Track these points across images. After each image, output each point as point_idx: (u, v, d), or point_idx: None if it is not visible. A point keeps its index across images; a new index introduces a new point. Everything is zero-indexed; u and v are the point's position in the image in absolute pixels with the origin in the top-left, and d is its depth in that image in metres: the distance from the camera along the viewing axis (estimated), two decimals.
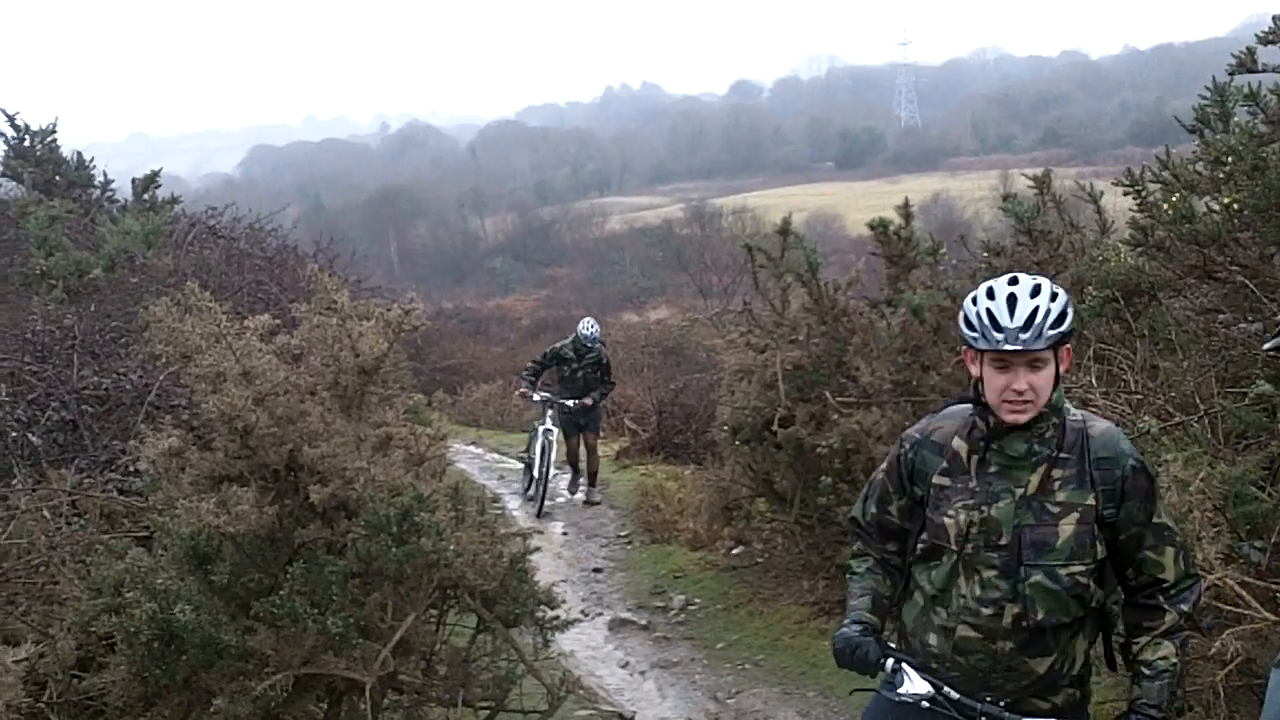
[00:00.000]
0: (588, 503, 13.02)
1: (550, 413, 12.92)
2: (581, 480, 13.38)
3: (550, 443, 12.73)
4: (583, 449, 13.26)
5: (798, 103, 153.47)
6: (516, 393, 13.96)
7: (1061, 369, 3.09)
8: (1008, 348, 3.01)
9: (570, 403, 12.81)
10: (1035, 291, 3.05)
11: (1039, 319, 3.00)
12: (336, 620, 4.61)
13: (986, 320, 3.05)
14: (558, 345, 13.32)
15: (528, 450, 13.43)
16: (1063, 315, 3.03)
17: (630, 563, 10.38)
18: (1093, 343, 6.32)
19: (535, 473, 12.81)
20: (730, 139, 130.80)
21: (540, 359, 13.30)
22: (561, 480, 13.62)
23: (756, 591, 9.00)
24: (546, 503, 12.56)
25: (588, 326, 13.05)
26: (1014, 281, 3.09)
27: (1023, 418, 3.06)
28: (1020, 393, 3.03)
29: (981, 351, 3.08)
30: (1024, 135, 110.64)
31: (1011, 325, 3.01)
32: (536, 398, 12.98)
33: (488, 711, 5.34)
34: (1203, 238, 6.05)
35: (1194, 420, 5.47)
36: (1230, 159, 5.87)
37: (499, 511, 11.72)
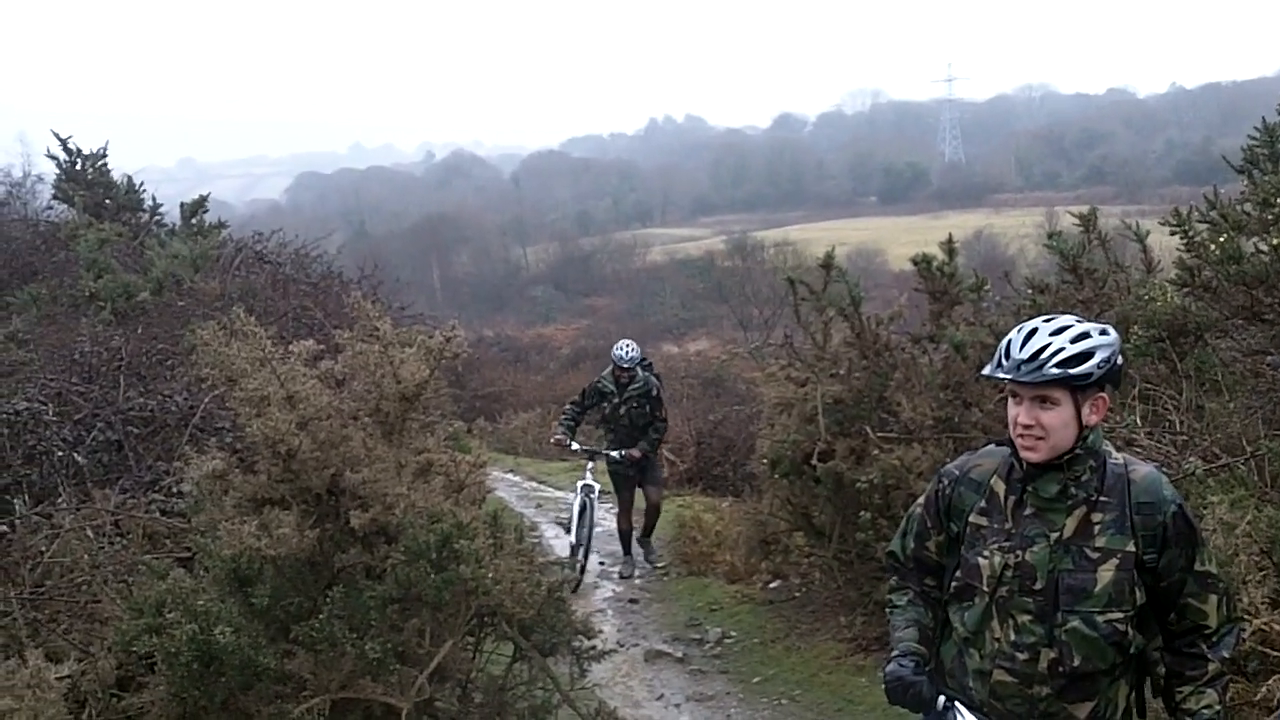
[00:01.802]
0: (645, 562, 11.24)
1: (590, 465, 11.16)
2: (636, 560, 11.19)
3: (590, 502, 10.80)
4: (643, 503, 11.20)
5: (841, 137, 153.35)
6: (552, 439, 11.65)
7: (1091, 416, 3.06)
8: (1000, 375, 3.07)
9: (616, 454, 10.89)
10: (1059, 331, 3.05)
11: (1045, 355, 3.01)
12: (375, 645, 4.63)
13: (1003, 349, 3.10)
14: (596, 380, 11.35)
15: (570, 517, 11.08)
16: (1080, 357, 3.01)
17: (666, 594, 10.34)
18: (1138, 382, 6.27)
19: (573, 538, 10.70)
20: (773, 172, 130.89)
21: (580, 398, 11.34)
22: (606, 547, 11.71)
23: (793, 626, 8.94)
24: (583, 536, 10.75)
25: (623, 348, 10.96)
26: (1051, 320, 3.11)
27: (1034, 455, 3.06)
28: (1028, 427, 3.04)
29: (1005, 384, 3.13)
30: (1069, 173, 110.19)
31: (1018, 356, 3.05)
32: (575, 447, 11.18)
33: None
34: (1250, 279, 6.01)
35: (1240, 462, 5.41)
36: (1279, 200, 5.83)
37: (536, 540, 11.74)
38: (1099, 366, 3.01)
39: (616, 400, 10.97)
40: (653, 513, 11.29)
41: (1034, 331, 3.07)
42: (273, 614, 4.80)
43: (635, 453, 10.83)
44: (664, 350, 39.81)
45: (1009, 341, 3.09)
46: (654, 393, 10.99)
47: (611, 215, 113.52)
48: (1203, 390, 6.20)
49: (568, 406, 11.47)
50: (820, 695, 7.64)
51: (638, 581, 10.66)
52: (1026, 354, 3.03)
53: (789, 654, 8.46)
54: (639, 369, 10.97)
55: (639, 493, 11.11)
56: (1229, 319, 6.35)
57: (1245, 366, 6.30)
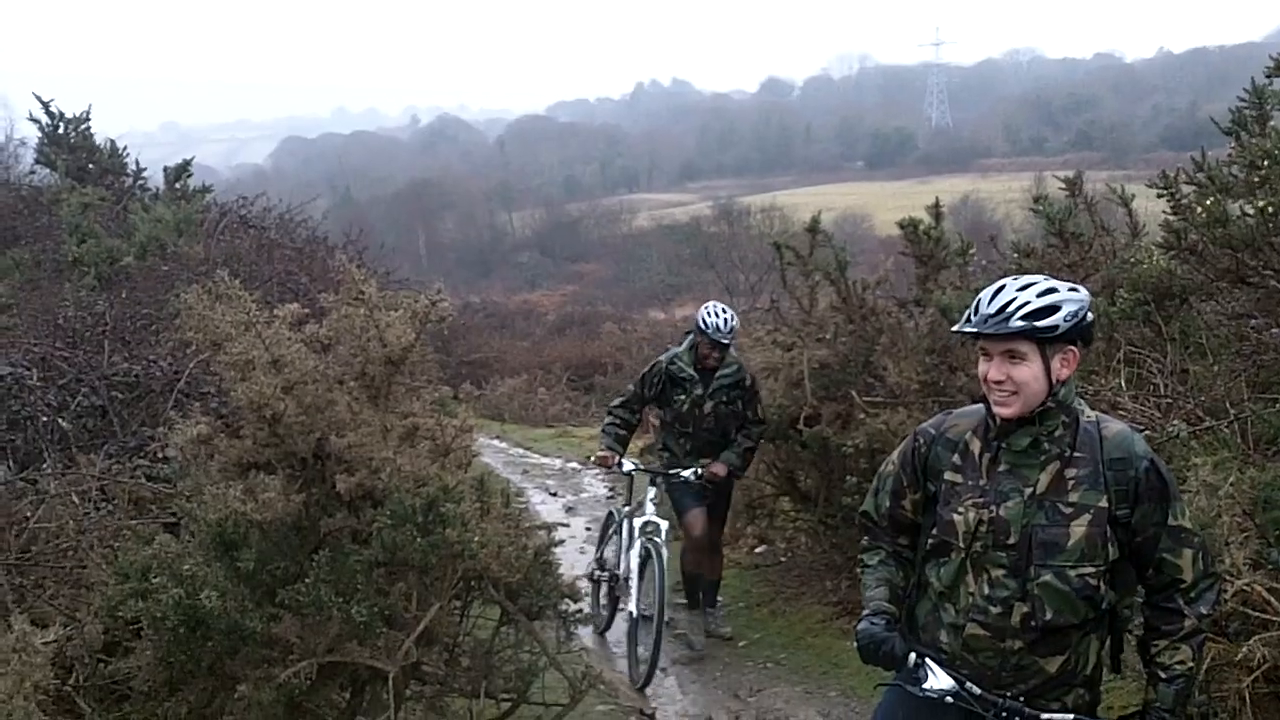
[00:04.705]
0: (711, 635, 7.98)
1: (653, 493, 7.59)
2: (711, 617, 8.10)
3: (655, 551, 7.22)
4: (699, 531, 7.62)
5: (828, 101, 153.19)
6: (593, 458, 8.49)
7: (1061, 371, 3.10)
8: (966, 329, 3.13)
9: (689, 474, 7.56)
10: (1026, 286, 3.10)
11: (1011, 308, 3.06)
12: (361, 609, 4.63)
13: (972, 306, 3.15)
14: (662, 360, 7.81)
15: (598, 550, 8.16)
16: (1046, 310, 3.05)
17: None
18: (1123, 346, 6.27)
19: (632, 606, 7.30)
20: (760, 137, 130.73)
21: (637, 389, 7.82)
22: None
23: (779, 590, 8.97)
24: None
25: (716, 314, 7.53)
26: (1020, 279, 3.15)
27: (1006, 410, 3.11)
28: (999, 383, 3.09)
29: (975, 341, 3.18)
30: (1055, 137, 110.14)
31: (985, 311, 3.10)
32: (628, 466, 7.77)
33: (509, 703, 5.35)
34: (1236, 242, 5.99)
35: (1224, 425, 5.42)
36: (1266, 163, 5.82)
37: (523, 505, 11.75)
38: (1065, 320, 3.05)
39: (700, 392, 7.66)
40: (714, 554, 8.08)
41: (1002, 288, 3.13)
42: (259, 578, 4.79)
43: (719, 469, 7.64)
44: (650, 316, 39.85)
45: (979, 299, 3.14)
46: (748, 382, 7.80)
47: (598, 180, 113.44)
48: (1187, 353, 6.20)
49: (615, 408, 7.91)
50: (806, 658, 7.68)
51: None
52: (993, 308, 3.08)
53: (775, 618, 8.50)
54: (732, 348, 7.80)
55: (697, 517, 7.63)
56: (1214, 282, 6.34)
57: (1230, 330, 6.30)
